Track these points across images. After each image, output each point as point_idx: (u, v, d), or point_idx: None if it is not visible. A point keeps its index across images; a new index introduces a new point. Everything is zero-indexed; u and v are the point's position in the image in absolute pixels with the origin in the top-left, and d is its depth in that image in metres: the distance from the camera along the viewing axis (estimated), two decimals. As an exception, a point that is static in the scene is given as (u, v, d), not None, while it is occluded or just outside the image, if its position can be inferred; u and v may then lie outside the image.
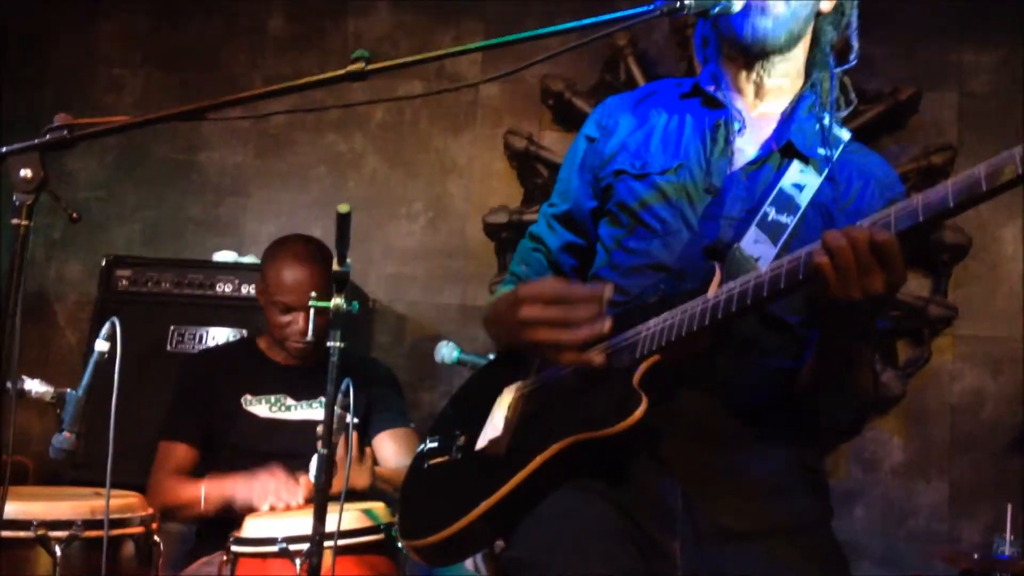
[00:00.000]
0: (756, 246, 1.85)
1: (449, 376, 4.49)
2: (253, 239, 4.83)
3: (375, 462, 3.16)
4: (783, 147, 1.98)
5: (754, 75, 2.04)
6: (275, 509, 2.85)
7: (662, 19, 1.72)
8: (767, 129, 2.03)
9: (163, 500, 3.07)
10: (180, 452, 3.18)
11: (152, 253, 4.54)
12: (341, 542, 2.46)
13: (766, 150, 1.99)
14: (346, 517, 2.54)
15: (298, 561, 2.49)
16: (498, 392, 2.05)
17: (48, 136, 1.69)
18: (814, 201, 1.93)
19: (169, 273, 4.22)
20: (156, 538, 2.62)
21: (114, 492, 2.44)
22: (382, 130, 5.01)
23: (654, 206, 1.98)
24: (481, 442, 1.95)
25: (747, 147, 2.01)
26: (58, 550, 2.36)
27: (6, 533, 2.27)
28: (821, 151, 1.98)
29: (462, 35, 4.98)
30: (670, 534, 1.81)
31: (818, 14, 2.05)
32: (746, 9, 1.91)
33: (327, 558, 2.27)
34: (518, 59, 1.79)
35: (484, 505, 1.83)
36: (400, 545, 2.50)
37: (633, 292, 1.96)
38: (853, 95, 2.10)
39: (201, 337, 4.11)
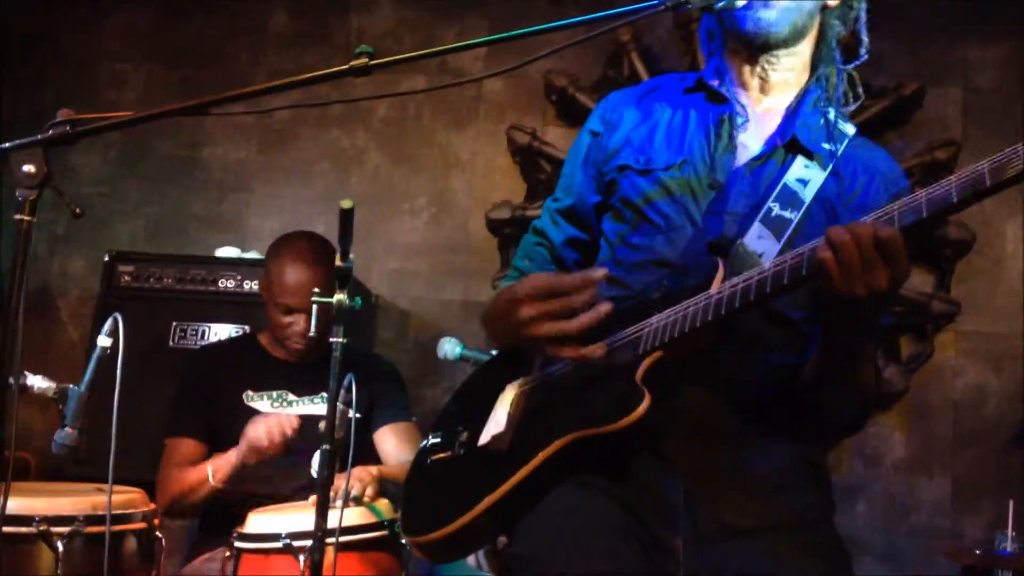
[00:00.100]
0: (760, 242, 1.85)
1: (452, 372, 4.49)
2: (256, 235, 4.83)
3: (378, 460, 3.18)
4: (788, 142, 1.98)
5: (759, 69, 2.04)
6: (283, 438, 2.85)
7: (666, 14, 1.71)
8: (772, 124, 2.02)
9: (172, 491, 3.07)
10: (187, 448, 3.18)
11: (155, 249, 4.55)
12: (344, 538, 2.47)
13: (770, 145, 1.99)
14: (349, 513, 2.54)
15: (301, 557, 2.49)
16: (501, 388, 2.04)
17: (51, 132, 1.69)
18: (818, 196, 1.92)
19: (172, 269, 4.21)
20: (158, 534, 2.63)
21: (116, 488, 2.44)
22: (385, 126, 5.01)
23: (658, 202, 1.98)
24: (484, 438, 1.94)
25: (751, 142, 2.01)
26: (60, 546, 2.36)
27: (8, 529, 2.27)
28: (826, 146, 1.97)
29: (465, 31, 4.97)
30: (672, 530, 1.80)
31: (824, 8, 2.04)
32: (749, 3, 1.90)
33: (329, 554, 2.27)
34: (521, 54, 1.78)
35: (487, 501, 1.83)
36: (403, 541, 2.50)
37: (636, 288, 1.96)
38: (861, 90, 2.09)
39: (204, 333, 4.11)
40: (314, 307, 2.33)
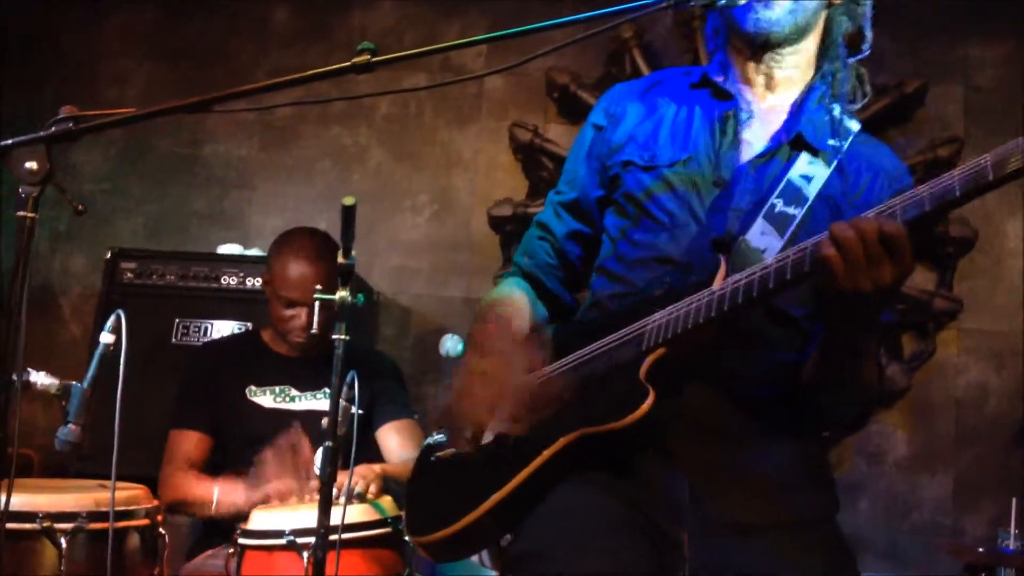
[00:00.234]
0: (763, 238, 1.85)
1: (453, 370, 4.48)
2: (258, 232, 4.83)
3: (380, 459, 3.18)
4: (793, 139, 1.97)
5: (763, 66, 2.03)
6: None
7: (667, 12, 1.71)
8: (777, 121, 2.02)
9: (173, 496, 3.08)
10: (191, 440, 3.19)
11: (157, 246, 4.54)
12: (347, 535, 2.46)
13: (775, 142, 1.98)
14: (353, 510, 2.54)
15: (305, 554, 2.49)
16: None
17: (53, 128, 1.69)
18: (822, 193, 1.92)
19: (174, 266, 4.22)
20: (161, 530, 2.63)
21: (119, 484, 2.44)
22: (387, 123, 5.01)
23: (661, 198, 1.98)
24: (488, 436, 1.94)
25: (756, 139, 2.00)
26: (63, 542, 2.36)
27: (12, 525, 2.26)
28: (831, 142, 1.97)
29: (467, 28, 4.97)
30: (678, 525, 1.80)
31: (830, 4, 2.04)
32: (749, 2, 1.90)
33: (333, 551, 2.27)
34: (523, 52, 1.78)
35: (491, 500, 1.83)
36: (406, 539, 2.50)
37: (638, 285, 1.96)
38: (868, 87, 2.09)
39: (206, 330, 4.11)
40: (316, 303, 2.33)
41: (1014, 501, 3.86)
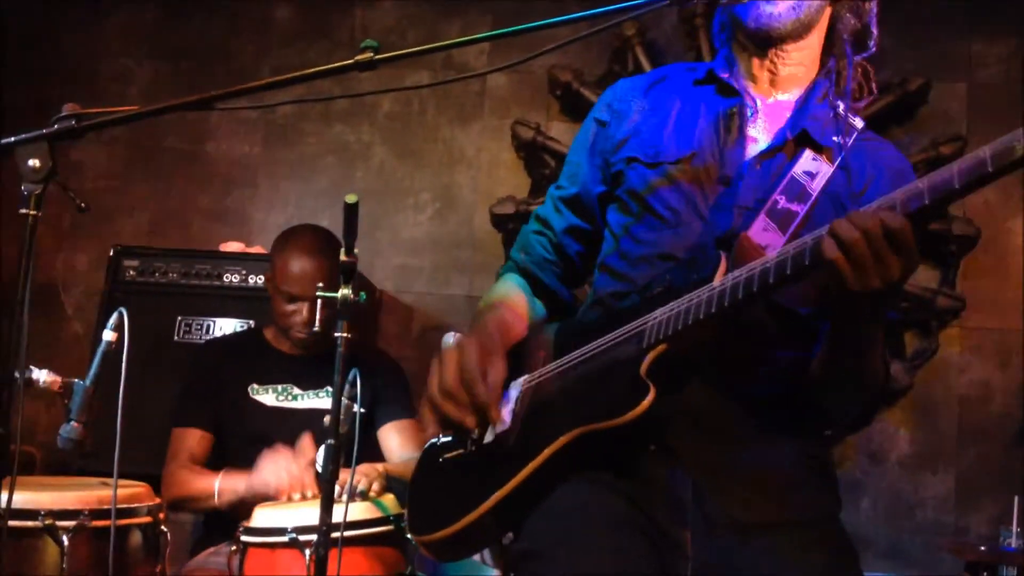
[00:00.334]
0: (765, 234, 1.84)
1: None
2: (261, 230, 4.84)
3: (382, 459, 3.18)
4: (797, 136, 1.97)
5: (768, 63, 2.02)
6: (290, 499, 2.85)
7: (670, 9, 1.71)
8: (781, 118, 2.01)
9: (176, 492, 3.08)
10: (193, 438, 3.19)
11: (160, 243, 4.53)
12: (349, 533, 2.47)
13: (780, 139, 1.98)
14: (355, 508, 2.54)
15: (308, 552, 2.50)
16: (506, 385, 2.04)
17: (57, 126, 1.69)
18: (826, 190, 1.91)
19: (177, 263, 4.21)
20: (163, 528, 2.63)
21: (121, 482, 2.44)
22: (390, 121, 5.01)
23: (665, 195, 1.97)
24: (489, 435, 1.94)
25: (761, 136, 2.00)
26: (65, 540, 2.36)
27: (14, 523, 2.26)
28: (835, 139, 1.96)
29: (469, 25, 4.96)
30: (681, 524, 1.80)
31: (835, 0, 2.03)
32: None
33: (335, 549, 2.27)
34: (526, 49, 1.77)
35: (493, 499, 1.83)
36: (408, 537, 2.50)
37: (640, 282, 1.95)
38: (874, 84, 2.08)
39: (208, 327, 4.11)
40: (318, 300, 2.33)
41: (1016, 500, 3.86)
